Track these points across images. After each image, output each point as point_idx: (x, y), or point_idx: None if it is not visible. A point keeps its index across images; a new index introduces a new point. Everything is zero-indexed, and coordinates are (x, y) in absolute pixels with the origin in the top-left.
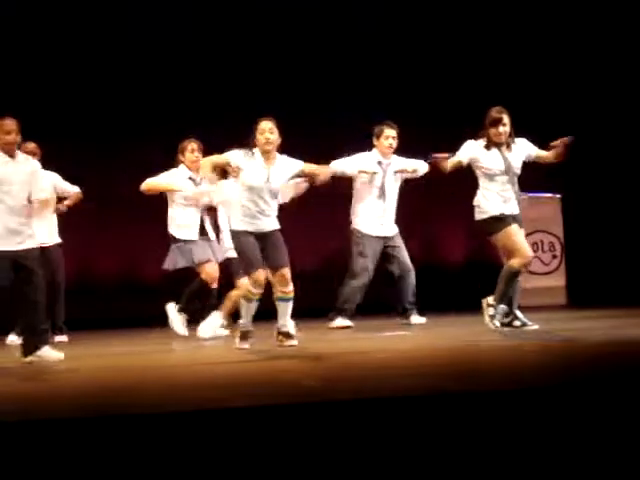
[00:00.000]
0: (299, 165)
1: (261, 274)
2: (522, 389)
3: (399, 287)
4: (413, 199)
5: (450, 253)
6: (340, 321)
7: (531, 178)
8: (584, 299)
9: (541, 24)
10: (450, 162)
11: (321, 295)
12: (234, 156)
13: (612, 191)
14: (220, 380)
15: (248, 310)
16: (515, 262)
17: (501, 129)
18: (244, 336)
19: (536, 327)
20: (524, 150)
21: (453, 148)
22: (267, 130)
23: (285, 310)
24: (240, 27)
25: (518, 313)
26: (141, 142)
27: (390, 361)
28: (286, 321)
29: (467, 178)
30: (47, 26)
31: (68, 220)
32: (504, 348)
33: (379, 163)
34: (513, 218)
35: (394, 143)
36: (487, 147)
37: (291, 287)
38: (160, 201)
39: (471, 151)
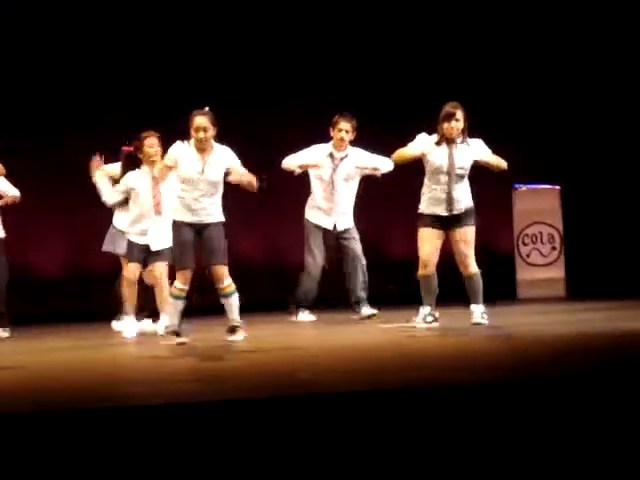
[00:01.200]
0: (234, 162)
1: (187, 272)
2: (520, 382)
3: (349, 280)
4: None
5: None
6: (303, 316)
7: (531, 169)
8: (583, 291)
9: (529, 15)
10: (401, 153)
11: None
12: (172, 150)
13: (612, 182)
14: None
15: (176, 307)
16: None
17: (453, 124)
18: (176, 334)
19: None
20: (476, 152)
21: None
22: (201, 129)
23: (229, 306)
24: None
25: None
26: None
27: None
28: (235, 316)
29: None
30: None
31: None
32: (493, 340)
33: (330, 155)
34: (441, 219)
35: (347, 136)
36: (438, 143)
37: (227, 282)
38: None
39: (423, 144)
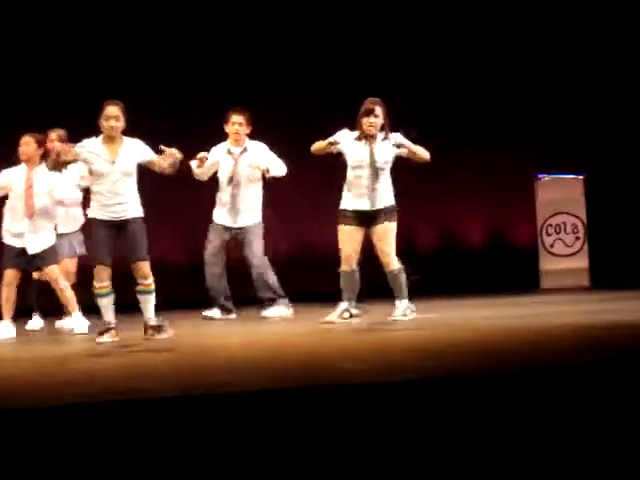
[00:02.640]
0: (148, 153)
1: (102, 269)
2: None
3: (253, 280)
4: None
5: (469, 236)
6: (213, 312)
7: (554, 159)
8: (607, 281)
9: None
10: (316, 144)
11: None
12: (80, 146)
13: (636, 172)
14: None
15: (106, 305)
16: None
17: (372, 120)
18: (105, 332)
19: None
20: (396, 145)
21: None
22: (112, 117)
23: (146, 304)
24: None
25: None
26: None
27: (417, 342)
28: (151, 314)
29: (481, 161)
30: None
31: None
32: (525, 331)
33: (228, 151)
34: (362, 216)
35: (241, 130)
36: (358, 138)
37: (149, 280)
38: None
39: (340, 138)
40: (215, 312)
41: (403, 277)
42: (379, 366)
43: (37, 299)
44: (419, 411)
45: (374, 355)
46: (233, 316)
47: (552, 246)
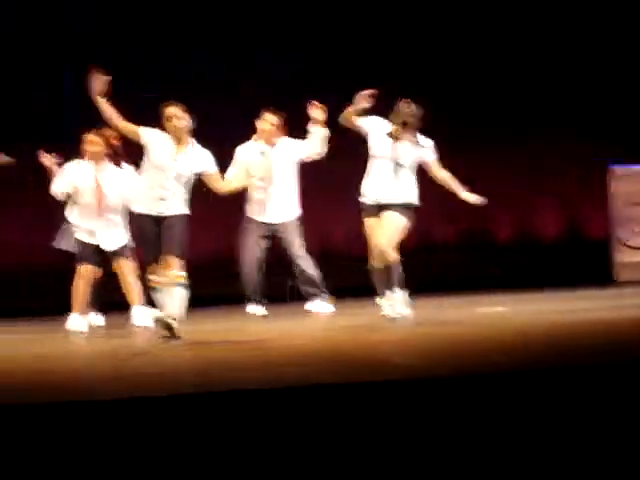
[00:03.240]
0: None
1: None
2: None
3: (296, 274)
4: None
5: (542, 229)
6: (255, 308)
7: (629, 150)
8: None
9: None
10: (347, 113)
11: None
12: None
13: None
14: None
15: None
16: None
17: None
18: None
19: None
20: (421, 152)
21: None
22: (173, 117)
23: (174, 298)
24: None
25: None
26: None
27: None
28: (174, 309)
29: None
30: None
31: None
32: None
33: (260, 150)
34: (381, 207)
35: (273, 129)
36: (389, 134)
37: (177, 273)
38: None
39: (370, 121)
40: (256, 308)
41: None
42: (454, 361)
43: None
44: (501, 403)
45: (444, 350)
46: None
47: (627, 238)
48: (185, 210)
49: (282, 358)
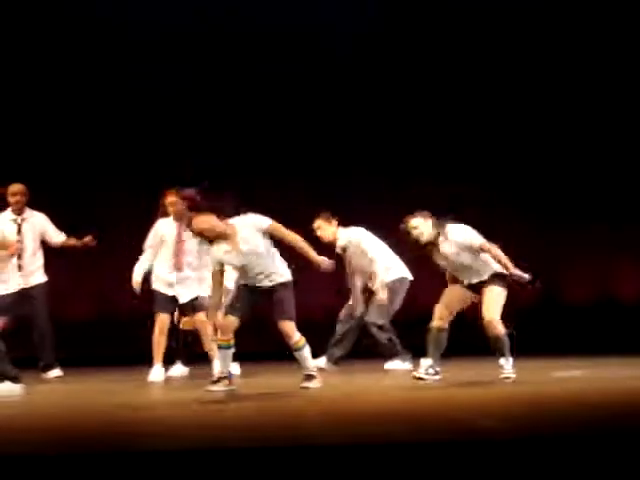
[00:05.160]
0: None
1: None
2: None
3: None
4: None
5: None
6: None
7: None
8: None
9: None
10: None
11: None
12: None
13: None
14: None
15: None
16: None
17: (413, 237)
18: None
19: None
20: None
21: None
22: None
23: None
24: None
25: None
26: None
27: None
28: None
29: None
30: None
31: None
32: None
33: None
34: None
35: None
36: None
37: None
38: None
39: None
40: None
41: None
42: (539, 420)
43: (182, 346)
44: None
45: (526, 409)
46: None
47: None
48: None
49: (362, 417)
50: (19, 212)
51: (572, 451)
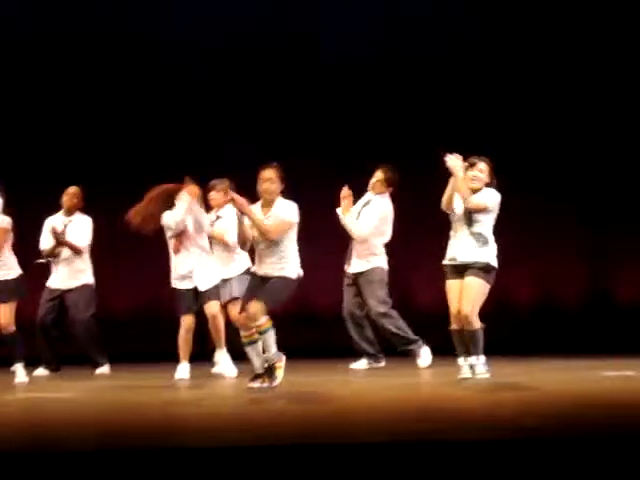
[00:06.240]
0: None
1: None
2: None
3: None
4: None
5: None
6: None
7: None
8: None
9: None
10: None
11: None
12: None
13: None
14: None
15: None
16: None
17: (475, 173)
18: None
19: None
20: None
21: None
22: (266, 180)
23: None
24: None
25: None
26: None
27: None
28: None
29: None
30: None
31: None
32: None
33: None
34: (457, 267)
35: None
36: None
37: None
38: None
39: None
40: (362, 363)
41: (479, 336)
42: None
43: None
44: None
45: (571, 408)
46: (382, 364)
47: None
48: None
49: (409, 414)
50: (68, 213)
51: (616, 451)
